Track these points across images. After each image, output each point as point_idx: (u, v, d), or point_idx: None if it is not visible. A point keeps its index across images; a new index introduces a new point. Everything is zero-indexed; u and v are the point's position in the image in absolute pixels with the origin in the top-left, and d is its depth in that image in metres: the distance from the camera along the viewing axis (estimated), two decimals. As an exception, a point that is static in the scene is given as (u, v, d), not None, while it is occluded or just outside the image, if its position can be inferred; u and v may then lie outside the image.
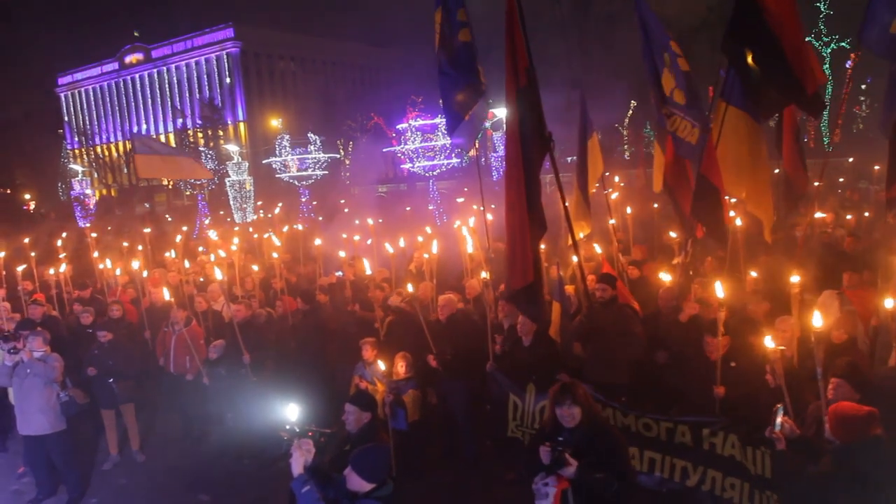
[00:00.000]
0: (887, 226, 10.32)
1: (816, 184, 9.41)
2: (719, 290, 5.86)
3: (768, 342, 5.13)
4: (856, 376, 4.86)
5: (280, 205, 29.49)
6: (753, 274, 8.25)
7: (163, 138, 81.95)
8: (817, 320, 4.68)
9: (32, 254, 12.88)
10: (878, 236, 10.28)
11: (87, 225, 27.89)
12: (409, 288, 8.07)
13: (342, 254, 11.71)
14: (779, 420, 4.47)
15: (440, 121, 22.49)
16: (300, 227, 19.71)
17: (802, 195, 9.52)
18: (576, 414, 4.57)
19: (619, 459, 4.55)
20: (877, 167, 19.89)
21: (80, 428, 8.16)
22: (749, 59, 6.85)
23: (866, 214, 13.19)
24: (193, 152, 36.29)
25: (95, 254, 14.09)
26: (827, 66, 41.69)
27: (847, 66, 41.14)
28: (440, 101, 8.11)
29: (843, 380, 4.79)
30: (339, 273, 10.63)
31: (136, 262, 11.37)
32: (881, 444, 4.24)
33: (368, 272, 9.14)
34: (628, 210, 12.18)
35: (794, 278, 5.36)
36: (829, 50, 41.22)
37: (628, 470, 4.68)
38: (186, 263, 12.51)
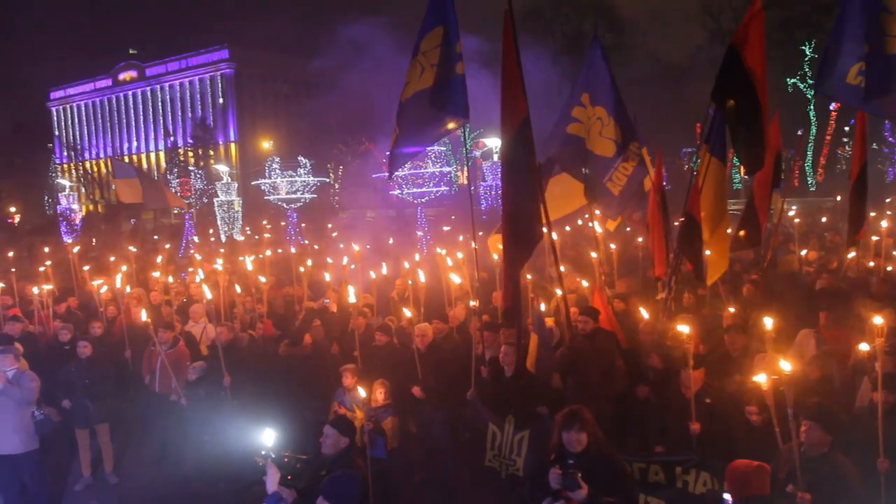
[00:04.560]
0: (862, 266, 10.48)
1: (797, 220, 9.56)
2: (688, 324, 5.96)
3: (757, 379, 5.09)
4: (826, 417, 4.76)
5: (270, 227, 29.40)
6: (731, 310, 8.33)
7: (153, 156, 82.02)
8: (786, 363, 4.70)
9: (13, 269, 12.74)
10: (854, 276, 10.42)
11: (71, 240, 27.64)
12: (407, 313, 8.16)
13: (327, 276, 11.69)
14: None
15: (430, 148, 22.59)
16: (281, 250, 19.64)
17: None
18: (583, 439, 4.63)
19: (624, 488, 4.56)
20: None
21: (52, 447, 8.00)
22: (734, 113, 7.11)
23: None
24: (183, 171, 36.19)
25: (86, 268, 13.98)
26: (811, 107, 42.55)
27: (831, 108, 42.06)
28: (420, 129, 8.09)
29: (813, 422, 4.71)
30: (327, 301, 10.60)
31: (118, 280, 11.28)
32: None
33: (352, 299, 9.13)
34: (612, 246, 12.27)
35: (767, 320, 5.43)
36: (813, 92, 42.05)
37: (634, 499, 4.68)
38: (170, 278, 12.44)
